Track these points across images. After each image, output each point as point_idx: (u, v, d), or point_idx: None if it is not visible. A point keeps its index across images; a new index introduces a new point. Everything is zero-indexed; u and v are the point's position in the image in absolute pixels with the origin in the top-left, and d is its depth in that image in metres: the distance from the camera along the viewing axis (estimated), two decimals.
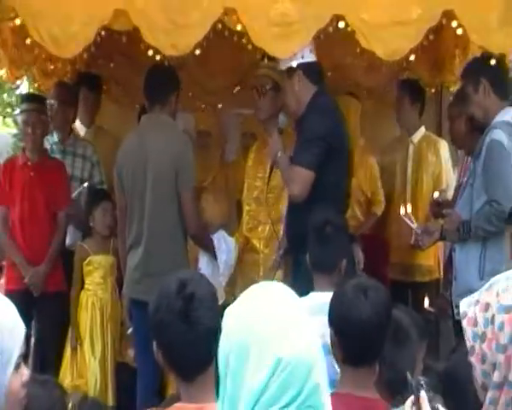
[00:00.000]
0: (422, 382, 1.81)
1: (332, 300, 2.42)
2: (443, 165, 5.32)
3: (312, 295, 3.11)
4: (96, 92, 5.48)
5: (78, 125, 5.51)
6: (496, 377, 1.63)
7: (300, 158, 3.88)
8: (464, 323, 1.70)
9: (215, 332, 1.80)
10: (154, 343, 2.03)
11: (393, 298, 4.66)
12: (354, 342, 2.31)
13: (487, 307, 1.67)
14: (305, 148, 3.89)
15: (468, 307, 1.72)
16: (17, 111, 5.33)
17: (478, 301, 1.71)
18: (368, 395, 2.27)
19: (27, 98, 5.21)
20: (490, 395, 1.65)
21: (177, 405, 1.97)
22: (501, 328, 1.63)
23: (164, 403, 2.47)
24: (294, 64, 3.95)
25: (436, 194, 4.64)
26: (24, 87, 7.95)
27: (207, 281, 2.11)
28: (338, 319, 2.36)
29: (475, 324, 1.68)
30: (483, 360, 1.66)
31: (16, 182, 4.85)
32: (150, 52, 4.02)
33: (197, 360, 1.93)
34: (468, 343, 1.67)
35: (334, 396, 2.06)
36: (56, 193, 4.83)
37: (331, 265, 3.28)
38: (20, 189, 4.82)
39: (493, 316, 1.65)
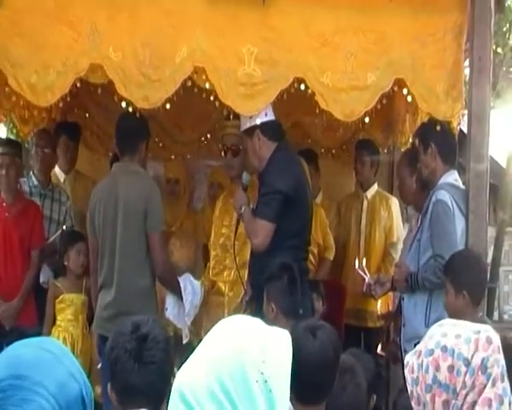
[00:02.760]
0: None
1: None
2: (394, 219, 5.39)
3: None
4: (75, 141, 5.44)
5: (58, 171, 5.47)
6: None
7: (261, 211, 3.88)
8: (406, 371, 1.80)
9: (167, 372, 1.76)
10: (109, 384, 1.98)
11: (347, 342, 4.68)
12: (303, 380, 2.23)
13: (419, 354, 1.78)
14: (266, 201, 3.88)
15: (410, 358, 1.81)
16: None
17: (416, 351, 1.76)
18: None
19: (2, 143, 5.17)
20: None
21: None
22: (427, 370, 1.75)
23: None
24: (253, 123, 3.96)
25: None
26: (2, 132, 7.88)
27: (161, 325, 2.08)
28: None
29: (413, 371, 1.78)
30: (418, 401, 1.77)
31: None
32: (123, 104, 3.99)
33: (149, 400, 1.87)
34: (409, 388, 1.75)
35: None
36: (31, 233, 4.81)
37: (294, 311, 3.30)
38: None
39: (422, 361, 1.77)
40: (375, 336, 5.03)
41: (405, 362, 1.81)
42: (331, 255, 5.27)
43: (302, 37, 3.72)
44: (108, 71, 3.68)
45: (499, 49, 10.44)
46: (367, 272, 4.27)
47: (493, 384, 1.72)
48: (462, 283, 3.42)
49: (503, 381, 1.75)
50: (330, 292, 4.99)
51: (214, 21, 3.70)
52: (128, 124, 4.20)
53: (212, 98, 4.11)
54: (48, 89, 3.68)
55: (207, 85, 3.89)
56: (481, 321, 3.46)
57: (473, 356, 1.73)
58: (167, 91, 3.72)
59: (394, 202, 5.38)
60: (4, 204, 4.82)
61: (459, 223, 3.77)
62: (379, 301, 4.80)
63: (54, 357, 1.34)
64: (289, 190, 3.87)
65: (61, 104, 4.38)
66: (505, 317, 8.81)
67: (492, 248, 4.01)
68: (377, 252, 5.26)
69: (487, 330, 1.80)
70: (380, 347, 4.81)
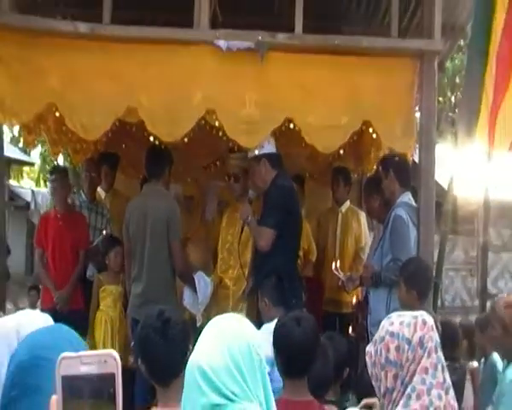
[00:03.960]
0: None
1: (275, 328, 2.39)
2: (362, 229, 5.35)
3: (265, 326, 3.08)
4: (114, 169, 5.39)
5: (100, 190, 5.46)
6: (381, 389, 1.68)
7: (265, 221, 3.90)
8: (367, 358, 1.82)
9: (185, 347, 1.77)
10: (139, 359, 1.97)
11: (325, 324, 4.66)
12: (290, 359, 2.27)
13: (375, 342, 1.81)
14: (269, 213, 3.91)
15: (369, 347, 1.84)
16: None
17: (373, 341, 1.78)
18: (303, 399, 2.25)
19: (52, 171, 5.25)
20: (380, 402, 1.71)
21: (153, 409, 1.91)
22: (380, 353, 1.77)
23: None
24: (257, 152, 3.97)
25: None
26: (60, 160, 7.91)
27: (180, 312, 2.09)
28: (278, 342, 2.33)
29: (371, 356, 1.81)
30: (376, 379, 1.79)
31: (49, 229, 4.88)
32: (152, 138, 4.00)
33: (171, 368, 1.88)
34: (369, 370, 1.76)
35: (278, 401, 2.03)
36: (78, 237, 4.85)
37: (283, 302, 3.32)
38: (52, 234, 4.85)
39: (377, 347, 1.79)
40: (348, 320, 4.99)
41: (366, 351, 1.82)
42: (314, 257, 5.24)
43: (291, 86, 3.73)
44: (140, 113, 3.69)
45: (440, 99, 10.56)
46: (341, 271, 4.26)
47: (429, 356, 1.74)
48: (412, 283, 3.42)
49: (436, 352, 1.77)
50: (312, 286, 4.98)
51: (223, 74, 3.70)
52: (156, 154, 4.22)
53: (220, 134, 4.14)
54: (95, 127, 3.70)
55: (217, 123, 3.91)
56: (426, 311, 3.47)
57: (413, 336, 1.75)
58: (186, 128, 3.74)
59: (363, 216, 5.35)
60: (58, 215, 4.86)
61: (412, 233, 3.77)
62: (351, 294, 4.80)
63: (65, 340, 1.33)
64: (287, 205, 3.90)
65: (104, 139, 4.42)
66: (446, 303, 8.84)
67: (437, 252, 4.04)
68: (349, 254, 5.23)
69: (422, 315, 1.83)
70: (351, 329, 4.79)
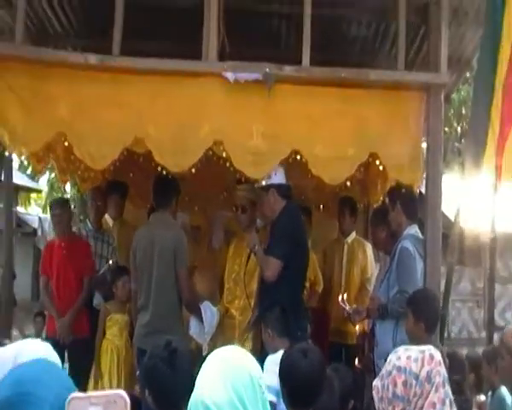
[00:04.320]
0: None
1: (281, 359, 2.38)
2: (368, 260, 5.33)
3: (270, 357, 3.06)
4: (123, 198, 5.36)
5: (108, 218, 5.45)
6: None
7: (273, 250, 3.88)
8: (374, 393, 1.80)
9: (192, 377, 1.75)
10: (146, 390, 1.96)
11: (331, 355, 4.59)
12: (296, 391, 2.26)
13: (382, 377, 1.81)
14: (276, 243, 3.89)
15: (376, 382, 1.84)
16: None
17: (380, 375, 1.76)
18: None
19: (53, 205, 5.22)
20: None
21: None
22: (387, 388, 1.77)
23: None
24: (264, 183, 3.97)
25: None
26: (68, 187, 7.96)
27: (186, 343, 2.09)
28: (284, 373, 2.31)
29: (378, 391, 1.78)
30: None
31: (54, 258, 4.89)
32: (159, 168, 4.01)
33: (178, 398, 1.85)
34: (376, 406, 1.74)
35: None
36: (82, 265, 4.85)
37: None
38: (56, 263, 4.86)
39: (384, 382, 1.78)
40: (354, 351, 4.93)
41: (373, 385, 1.82)
42: (320, 288, 5.21)
43: (298, 118, 3.74)
44: (148, 143, 3.71)
45: (446, 129, 10.62)
46: (347, 304, 4.23)
47: (436, 390, 1.74)
48: (420, 314, 3.38)
49: (444, 387, 1.76)
50: (318, 316, 4.96)
51: (230, 105, 3.72)
52: (163, 184, 4.23)
53: (227, 164, 4.14)
54: (102, 157, 3.72)
55: (224, 154, 3.92)
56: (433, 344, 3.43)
57: (420, 371, 1.75)
58: (193, 159, 3.74)
59: (368, 247, 5.33)
60: (62, 244, 4.88)
61: (419, 265, 3.76)
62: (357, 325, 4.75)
63: (51, 374, 1.34)
64: (296, 236, 3.89)
65: (111, 168, 4.43)
66: (452, 335, 8.75)
67: (444, 283, 4.00)
68: (355, 285, 5.20)
69: (430, 349, 1.82)
70: (357, 360, 4.73)
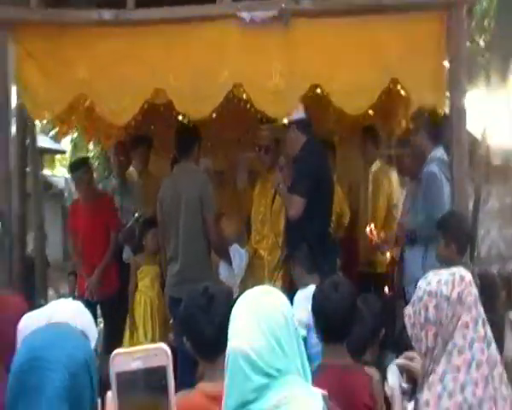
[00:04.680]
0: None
1: (313, 294, 2.42)
2: (393, 186, 5.30)
3: (299, 293, 3.14)
4: (149, 150, 5.36)
5: (133, 171, 5.47)
6: (422, 348, 1.71)
7: (295, 188, 3.91)
8: (406, 320, 1.82)
9: (228, 324, 1.77)
10: (184, 337, 1.97)
11: (361, 285, 4.68)
12: (329, 325, 2.30)
13: (413, 303, 1.81)
14: (299, 181, 3.92)
15: (407, 309, 1.83)
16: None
17: (411, 302, 1.79)
18: (344, 362, 2.27)
19: (72, 167, 5.22)
20: (422, 361, 1.73)
21: (200, 384, 1.93)
22: (419, 313, 1.77)
23: (197, 376, 2.37)
24: (289, 120, 3.97)
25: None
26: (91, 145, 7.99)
27: (223, 288, 2.10)
28: (316, 308, 2.35)
29: (410, 318, 1.80)
30: (416, 339, 1.78)
31: (78, 218, 4.93)
32: (180, 117, 4.03)
33: (216, 344, 1.84)
34: (409, 332, 1.77)
35: (320, 367, 2.08)
36: (107, 220, 4.87)
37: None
38: (80, 222, 4.89)
39: (415, 308, 1.79)
40: (383, 279, 4.98)
41: (404, 312, 1.83)
42: (346, 220, 5.16)
43: (316, 52, 3.69)
44: (168, 93, 3.72)
45: (468, 43, 10.25)
46: (375, 234, 4.26)
47: (468, 311, 1.75)
48: (451, 237, 3.41)
49: (476, 307, 1.77)
50: (347, 247, 4.97)
51: (248, 46, 3.70)
52: (183, 133, 4.24)
53: (248, 106, 4.14)
54: (124, 112, 3.73)
55: (244, 96, 3.91)
56: (464, 265, 3.47)
57: (451, 293, 1.75)
58: (214, 104, 3.74)
59: (393, 173, 5.31)
60: (86, 203, 4.89)
61: (446, 188, 3.74)
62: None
63: (62, 337, 1.36)
64: (317, 173, 3.89)
65: (133, 122, 4.46)
66: (482, 254, 8.75)
67: (472, 203, 4.01)
68: (381, 213, 5.18)
69: (460, 271, 1.82)
70: (387, 288, 4.80)
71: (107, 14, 3.66)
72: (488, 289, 3.53)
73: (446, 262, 3.31)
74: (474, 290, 1.79)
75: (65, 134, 4.97)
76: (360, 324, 2.54)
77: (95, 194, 4.99)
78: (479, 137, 5.96)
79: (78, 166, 5.00)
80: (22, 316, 1.73)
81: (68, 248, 17.89)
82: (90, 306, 4.60)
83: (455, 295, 1.75)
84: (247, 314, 1.46)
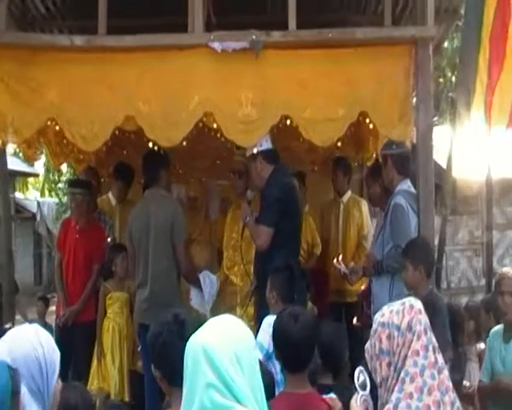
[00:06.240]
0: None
1: (274, 324, 2.43)
2: (364, 217, 5.38)
3: (267, 317, 3.14)
4: (128, 184, 5.22)
5: (111, 197, 5.38)
6: (377, 379, 1.73)
7: (262, 219, 3.90)
8: (366, 355, 1.85)
9: None
10: (153, 366, 1.96)
11: (332, 314, 4.66)
12: (288, 355, 2.30)
13: (371, 337, 1.85)
14: (266, 211, 3.91)
15: (367, 344, 1.87)
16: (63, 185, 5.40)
17: (370, 336, 1.82)
18: (303, 391, 2.27)
19: (73, 184, 5.13)
20: (379, 392, 1.75)
21: None
22: (374, 346, 1.81)
23: (164, 404, 2.38)
24: (255, 151, 3.98)
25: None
26: (64, 168, 7.93)
27: (187, 312, 2.09)
28: (276, 339, 2.35)
29: (368, 352, 1.86)
30: (374, 371, 1.84)
31: (67, 238, 4.86)
32: (150, 144, 4.03)
33: None
34: (369, 366, 1.78)
35: (282, 395, 2.07)
36: (93, 251, 4.80)
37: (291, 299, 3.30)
38: (68, 245, 4.83)
39: (371, 341, 1.83)
40: (353, 309, 4.99)
41: (365, 347, 1.86)
42: (318, 251, 5.27)
43: (287, 83, 3.75)
44: (139, 120, 3.73)
45: (441, 80, 10.53)
46: (342, 264, 4.29)
47: (418, 338, 1.78)
48: (418, 260, 3.42)
49: (426, 334, 1.80)
50: (318, 277, 5.00)
51: (219, 75, 3.73)
52: (149, 159, 4.23)
53: (218, 135, 4.16)
54: (94, 138, 3.73)
55: (215, 125, 3.94)
56: (431, 291, 3.51)
57: (401, 322, 1.79)
58: (184, 132, 3.75)
59: (364, 204, 5.38)
60: (77, 227, 4.83)
61: (413, 220, 3.78)
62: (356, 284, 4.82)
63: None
64: (284, 201, 3.88)
65: (104, 148, 4.44)
66: (452, 285, 8.86)
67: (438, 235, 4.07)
68: (352, 243, 5.27)
69: (410, 300, 1.87)
70: (355, 319, 4.80)
71: (79, 40, 3.69)
72: (453, 321, 3.56)
73: (415, 288, 3.34)
74: (424, 318, 1.83)
75: (31, 158, 4.90)
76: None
77: (88, 220, 4.87)
78: (446, 169, 6.10)
79: (79, 185, 4.91)
80: None
81: (40, 273, 17.59)
82: (69, 331, 4.53)
83: (405, 323, 1.79)
84: (217, 326, 1.48)
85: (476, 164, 6.15)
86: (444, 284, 8.26)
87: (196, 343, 1.45)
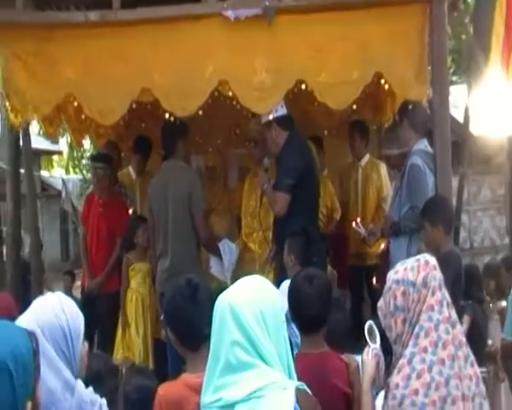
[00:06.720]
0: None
1: (288, 287, 2.45)
2: (383, 180, 5.37)
3: (285, 281, 3.19)
4: (146, 157, 5.29)
5: (131, 170, 5.45)
6: (392, 336, 1.77)
7: (279, 185, 3.93)
8: (379, 312, 1.88)
9: (211, 312, 1.83)
10: (168, 329, 2.02)
11: (352, 278, 4.68)
12: (304, 317, 2.33)
13: (384, 294, 1.86)
14: (281, 177, 3.94)
15: (379, 301, 1.89)
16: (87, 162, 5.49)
17: (383, 294, 1.85)
18: (320, 351, 2.30)
19: (96, 158, 5.19)
20: (393, 349, 1.78)
21: (182, 375, 1.98)
22: (389, 303, 1.82)
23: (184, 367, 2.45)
24: (271, 117, 3.99)
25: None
26: (87, 144, 8.02)
27: (204, 278, 2.13)
28: (291, 301, 2.37)
29: (381, 309, 1.87)
30: (388, 328, 1.85)
31: (91, 212, 4.96)
32: (167, 115, 4.07)
33: (201, 333, 1.90)
34: (382, 323, 1.82)
35: (298, 355, 2.13)
36: (116, 224, 4.88)
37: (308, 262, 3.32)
38: (91, 218, 4.94)
39: (385, 298, 1.85)
40: (373, 271, 5.02)
41: (378, 307, 1.88)
42: (338, 215, 5.28)
43: (300, 48, 3.74)
44: (155, 92, 3.75)
45: (463, 36, 10.27)
46: (361, 226, 4.31)
47: (433, 294, 1.79)
48: (436, 218, 3.43)
49: (440, 290, 1.81)
50: (337, 241, 5.06)
51: (232, 44, 3.74)
52: (167, 130, 4.25)
53: (234, 103, 4.18)
54: (112, 112, 3.78)
55: (230, 93, 3.96)
56: (453, 249, 3.52)
57: (416, 278, 1.80)
58: (199, 102, 3.78)
59: (383, 166, 5.36)
60: (100, 201, 4.92)
61: (429, 179, 3.77)
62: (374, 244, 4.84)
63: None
64: (300, 167, 3.90)
65: (122, 122, 4.50)
66: (475, 245, 8.80)
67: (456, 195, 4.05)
68: (371, 206, 5.27)
69: (425, 256, 1.88)
70: (374, 280, 4.83)
71: (93, 15, 3.72)
72: (469, 280, 3.57)
73: (435, 246, 3.35)
74: (439, 274, 1.84)
75: (51, 135, 5.00)
76: (341, 313, 2.59)
77: (111, 194, 4.96)
78: (469, 129, 6.02)
79: (100, 160, 4.98)
80: (7, 311, 1.81)
81: (66, 249, 17.96)
82: (93, 302, 4.64)
83: (420, 279, 1.80)
84: (245, 286, 1.52)
85: (497, 122, 6.05)
86: (467, 244, 8.23)
87: (224, 301, 1.50)
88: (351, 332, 2.79)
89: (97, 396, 1.79)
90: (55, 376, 1.65)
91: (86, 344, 1.83)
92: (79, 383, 1.73)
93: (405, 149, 4.02)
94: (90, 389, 1.79)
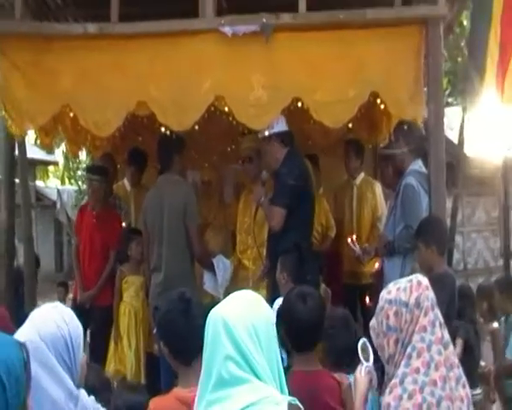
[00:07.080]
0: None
1: (281, 304, 2.44)
2: (377, 199, 5.35)
3: (278, 299, 3.17)
4: (141, 170, 5.27)
5: (126, 183, 5.44)
6: (385, 356, 1.75)
7: (276, 200, 3.93)
8: (371, 332, 1.87)
9: (204, 327, 1.82)
10: (161, 343, 2.02)
11: (346, 297, 4.65)
12: (296, 335, 2.31)
13: (377, 315, 1.86)
14: (279, 193, 3.94)
15: (372, 321, 1.89)
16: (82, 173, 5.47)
17: (375, 313, 1.83)
18: (313, 369, 2.29)
19: (91, 170, 5.18)
20: (386, 369, 1.77)
21: (174, 389, 1.98)
22: (381, 323, 1.82)
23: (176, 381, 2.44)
24: (267, 133, 3.99)
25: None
26: (83, 155, 8.00)
27: (197, 293, 2.13)
28: (285, 318, 2.35)
29: (374, 329, 1.86)
30: (381, 349, 1.82)
31: (84, 224, 4.93)
32: (163, 128, 4.08)
33: (194, 347, 1.89)
34: (374, 343, 1.80)
35: (290, 373, 2.11)
36: (110, 237, 4.85)
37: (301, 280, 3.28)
38: (85, 230, 4.91)
39: (378, 318, 1.84)
40: (368, 291, 4.97)
41: (370, 326, 1.88)
42: (332, 233, 5.26)
43: (297, 66, 3.75)
44: (151, 105, 3.76)
45: (459, 59, 10.39)
46: (356, 244, 4.30)
47: (425, 314, 1.79)
48: (430, 239, 3.43)
49: (433, 310, 1.81)
50: (332, 259, 5.03)
51: (229, 59, 3.75)
52: (163, 144, 4.24)
53: (230, 119, 4.19)
54: (107, 124, 3.78)
55: (226, 109, 3.96)
56: (446, 270, 3.51)
57: (409, 298, 1.79)
58: (195, 117, 3.78)
59: (377, 186, 5.36)
60: (94, 212, 4.90)
61: (424, 200, 3.77)
62: (368, 263, 4.82)
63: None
64: (298, 183, 3.91)
65: (117, 134, 4.51)
66: (468, 266, 8.81)
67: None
68: (366, 225, 5.26)
69: (417, 277, 1.87)
70: (368, 299, 4.80)
71: (92, 28, 3.73)
72: (460, 299, 3.56)
73: (428, 267, 3.34)
74: (431, 294, 1.84)
75: (48, 146, 4.97)
76: (347, 330, 2.58)
77: (105, 207, 4.93)
78: (463, 150, 6.05)
79: (96, 172, 4.96)
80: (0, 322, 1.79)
81: (61, 260, 17.83)
82: (85, 315, 4.63)
83: (412, 300, 1.80)
84: (237, 300, 1.52)
85: (492, 144, 6.09)
86: (460, 266, 8.23)
87: (217, 315, 1.49)
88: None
89: (99, 406, 1.78)
90: (58, 386, 1.65)
91: (84, 354, 1.84)
92: (83, 393, 1.74)
93: (402, 150, 3.99)
94: (92, 397, 1.79)
